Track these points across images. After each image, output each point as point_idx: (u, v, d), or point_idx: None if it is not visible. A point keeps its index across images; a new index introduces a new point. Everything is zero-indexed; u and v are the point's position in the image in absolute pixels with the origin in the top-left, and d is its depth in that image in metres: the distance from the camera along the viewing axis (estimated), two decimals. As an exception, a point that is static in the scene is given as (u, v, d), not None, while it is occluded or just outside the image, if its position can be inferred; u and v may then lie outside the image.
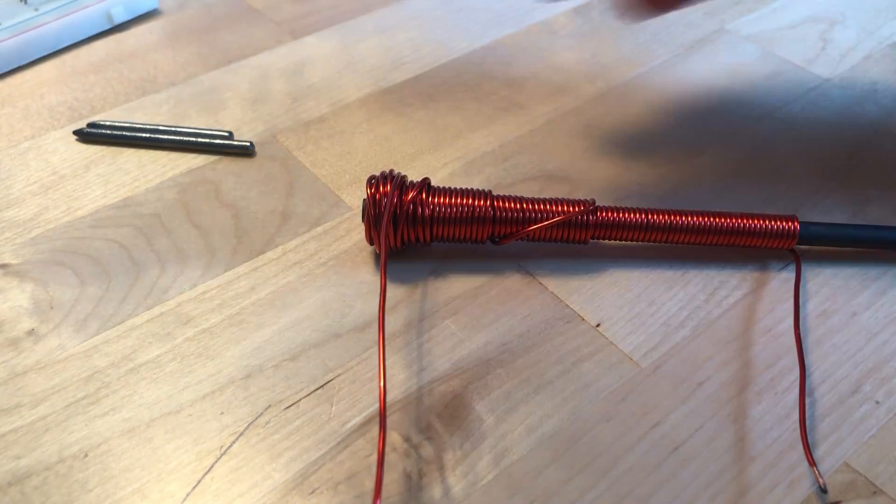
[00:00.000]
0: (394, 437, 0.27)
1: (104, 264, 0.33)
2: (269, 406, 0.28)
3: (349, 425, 0.28)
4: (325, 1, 0.49)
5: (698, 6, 0.47)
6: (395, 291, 0.32)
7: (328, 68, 0.44)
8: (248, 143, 0.38)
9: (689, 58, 0.44)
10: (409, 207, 0.31)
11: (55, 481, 0.26)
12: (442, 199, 0.31)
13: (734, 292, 0.32)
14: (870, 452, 0.27)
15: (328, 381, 0.29)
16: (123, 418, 0.28)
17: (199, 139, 0.38)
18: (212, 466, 0.26)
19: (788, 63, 0.44)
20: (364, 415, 0.28)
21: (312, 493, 0.26)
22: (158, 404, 0.28)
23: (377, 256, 0.33)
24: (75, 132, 0.38)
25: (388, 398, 0.28)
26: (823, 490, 0.26)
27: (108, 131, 0.38)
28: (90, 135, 0.38)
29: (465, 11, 0.48)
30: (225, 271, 0.33)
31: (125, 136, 0.38)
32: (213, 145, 0.38)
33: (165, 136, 0.38)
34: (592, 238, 0.32)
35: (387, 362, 0.29)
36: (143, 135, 0.38)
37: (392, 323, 0.31)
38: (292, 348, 0.30)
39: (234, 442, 0.27)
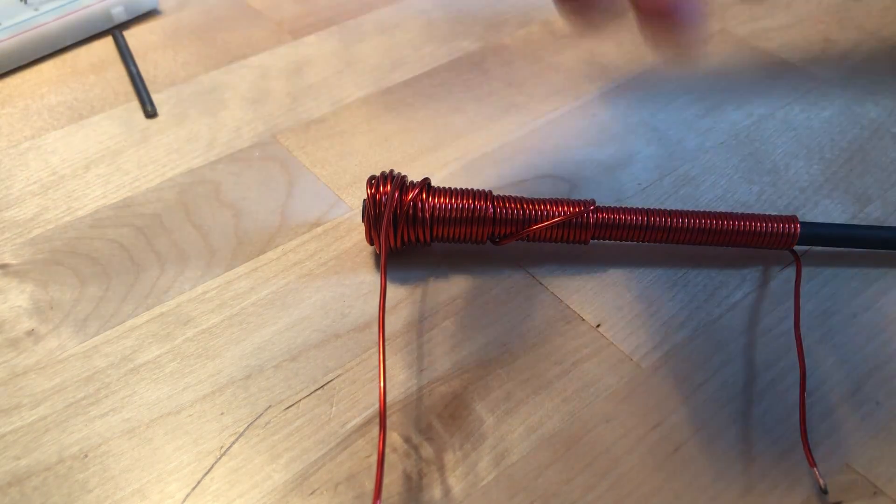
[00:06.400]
0: (394, 437, 0.27)
1: (104, 264, 0.33)
2: (269, 406, 0.28)
3: (349, 426, 0.28)
4: (325, 1, 0.49)
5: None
6: (395, 291, 0.32)
7: (328, 68, 0.44)
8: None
9: (689, 57, 0.44)
10: (409, 207, 0.31)
11: (55, 482, 0.26)
12: (442, 200, 0.31)
13: (734, 293, 0.32)
14: (870, 453, 0.27)
15: (328, 382, 0.29)
16: (123, 419, 0.28)
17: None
18: (212, 467, 0.26)
19: (788, 63, 0.44)
20: (364, 415, 0.28)
21: (312, 493, 0.26)
22: (158, 405, 0.28)
23: (377, 256, 0.33)
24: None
25: (388, 398, 0.28)
26: (824, 491, 0.26)
27: None
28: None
29: (465, 11, 0.47)
30: (225, 271, 0.33)
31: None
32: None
33: None
34: (592, 238, 0.32)
35: (387, 363, 0.29)
36: None
37: (392, 323, 0.31)
38: (292, 349, 0.30)
39: (233, 442, 0.27)
